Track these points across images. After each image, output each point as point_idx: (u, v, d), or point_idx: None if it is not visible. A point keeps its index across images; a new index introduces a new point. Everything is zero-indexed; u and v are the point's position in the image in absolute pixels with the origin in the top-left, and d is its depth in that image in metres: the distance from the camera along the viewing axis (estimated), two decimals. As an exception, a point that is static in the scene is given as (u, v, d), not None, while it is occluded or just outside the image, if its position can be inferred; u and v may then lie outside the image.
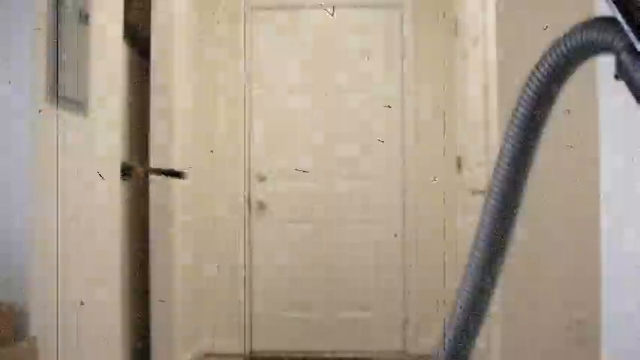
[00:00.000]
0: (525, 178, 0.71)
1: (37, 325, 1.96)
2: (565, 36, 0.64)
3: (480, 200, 2.98)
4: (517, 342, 2.87)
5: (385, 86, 4.48)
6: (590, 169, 1.82)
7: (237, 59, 4.50)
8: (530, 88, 0.68)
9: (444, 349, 0.75)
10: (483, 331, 3.25)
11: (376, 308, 4.42)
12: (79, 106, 2.23)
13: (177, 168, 3.56)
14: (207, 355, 4.36)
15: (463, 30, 3.94)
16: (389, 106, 4.45)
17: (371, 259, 4.42)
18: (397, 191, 4.44)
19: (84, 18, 2.19)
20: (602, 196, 1.65)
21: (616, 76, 0.62)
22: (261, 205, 4.44)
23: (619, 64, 0.61)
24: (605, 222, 1.64)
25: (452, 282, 4.10)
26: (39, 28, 1.96)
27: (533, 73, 0.68)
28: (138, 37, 3.74)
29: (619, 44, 0.60)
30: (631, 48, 0.59)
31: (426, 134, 4.40)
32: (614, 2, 0.60)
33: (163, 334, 3.58)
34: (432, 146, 4.38)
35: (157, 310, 3.56)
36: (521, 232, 2.88)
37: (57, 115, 2.09)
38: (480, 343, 3.39)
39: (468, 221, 3.58)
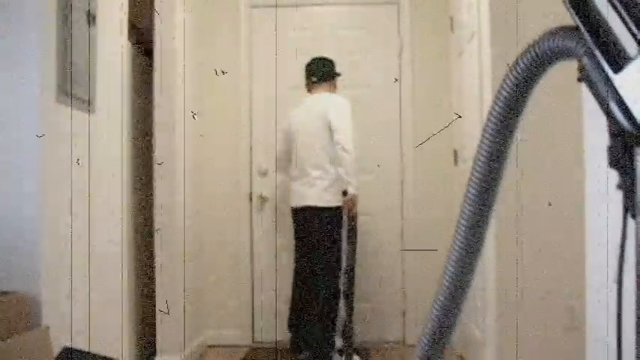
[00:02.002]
0: (501, 171, 0.79)
1: (50, 315, 2.04)
2: (534, 42, 0.73)
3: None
4: (512, 331, 2.94)
5: (382, 82, 4.55)
6: (578, 165, 1.90)
7: (237, 56, 4.57)
8: (504, 89, 0.76)
9: (426, 333, 0.81)
10: (479, 320, 3.32)
11: (376, 299, 4.50)
12: (86, 103, 2.31)
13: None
14: (211, 346, 4.43)
15: (459, 26, 4.00)
16: (386, 102, 4.52)
17: (371, 250, 4.49)
18: (396, 184, 4.52)
19: (91, 19, 2.26)
20: (587, 187, 1.73)
21: (579, 79, 0.70)
22: (264, 200, 4.52)
23: (581, 69, 0.69)
24: (590, 215, 1.72)
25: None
26: (48, 30, 2.03)
27: (507, 75, 0.76)
28: (141, 36, 3.82)
29: (580, 50, 0.68)
30: (590, 53, 0.67)
31: (424, 128, 4.46)
32: (576, 13, 0.68)
33: (168, 326, 3.66)
34: (430, 140, 4.45)
35: (162, 302, 3.64)
36: (515, 222, 2.93)
37: (65, 111, 2.16)
38: (475, 332, 3.46)
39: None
